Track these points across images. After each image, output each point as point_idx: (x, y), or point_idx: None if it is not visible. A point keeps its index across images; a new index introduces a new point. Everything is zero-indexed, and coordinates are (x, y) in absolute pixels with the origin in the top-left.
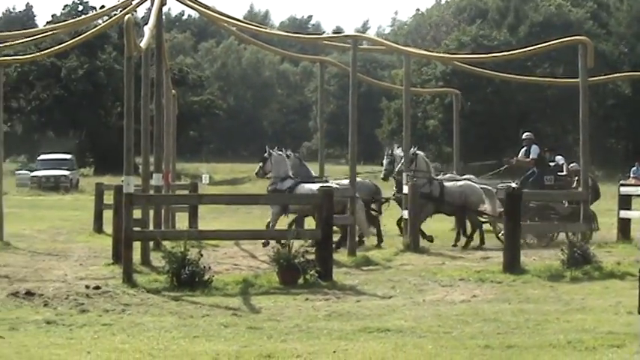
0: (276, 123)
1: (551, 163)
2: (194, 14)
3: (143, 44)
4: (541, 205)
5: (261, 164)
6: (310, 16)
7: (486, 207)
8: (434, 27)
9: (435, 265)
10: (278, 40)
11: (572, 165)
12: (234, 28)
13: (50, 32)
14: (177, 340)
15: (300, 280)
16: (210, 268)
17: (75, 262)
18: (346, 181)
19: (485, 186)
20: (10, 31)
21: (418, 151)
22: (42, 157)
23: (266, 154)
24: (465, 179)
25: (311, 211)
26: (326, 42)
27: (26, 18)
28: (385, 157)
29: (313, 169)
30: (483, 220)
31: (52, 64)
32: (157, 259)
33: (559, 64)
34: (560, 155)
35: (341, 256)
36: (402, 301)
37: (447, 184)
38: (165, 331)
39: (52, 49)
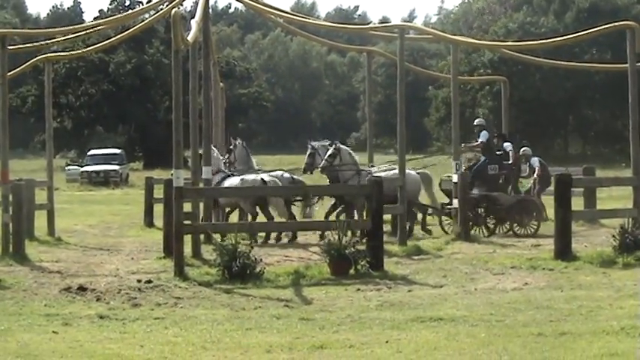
0: (324, 114)
1: (504, 151)
2: (240, 6)
3: (190, 38)
4: (483, 195)
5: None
6: (357, 7)
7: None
8: (480, 15)
9: (486, 254)
10: (325, 31)
11: (523, 149)
12: (281, 20)
13: (98, 28)
14: (230, 333)
15: (352, 271)
16: (261, 260)
17: (126, 257)
18: (279, 173)
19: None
20: (58, 28)
21: (341, 145)
22: (92, 152)
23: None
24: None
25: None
26: (373, 32)
27: (74, 14)
28: (309, 149)
29: (362, 159)
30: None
31: (100, 60)
32: (207, 252)
33: (607, 50)
34: (509, 142)
35: (392, 245)
36: (453, 289)
37: (380, 174)
38: (218, 324)
39: (100, 44)
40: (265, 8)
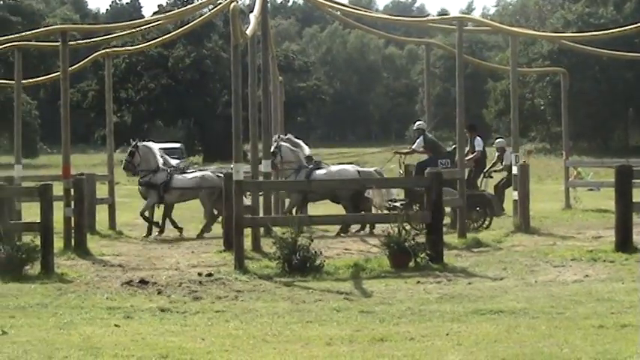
0: (382, 107)
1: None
2: (298, 0)
3: (249, 32)
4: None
5: (128, 158)
6: None
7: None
8: (539, 6)
9: (546, 246)
10: (383, 23)
11: (498, 141)
12: (338, 13)
13: (157, 23)
14: (291, 326)
15: (411, 264)
16: (321, 253)
17: (187, 250)
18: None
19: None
20: (118, 23)
21: (282, 142)
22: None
23: (132, 147)
24: (343, 166)
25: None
26: (431, 24)
27: (133, 9)
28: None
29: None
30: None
31: (159, 54)
32: (267, 245)
33: None
34: (480, 137)
35: (451, 238)
36: (513, 282)
37: (318, 172)
38: (278, 317)
39: (159, 39)
40: (323, 1)
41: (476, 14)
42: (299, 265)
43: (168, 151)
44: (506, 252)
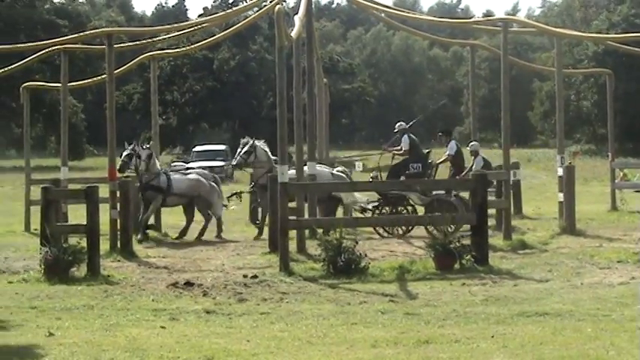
0: (427, 109)
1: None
2: (343, 2)
3: (294, 34)
4: (395, 195)
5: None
6: (459, 0)
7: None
8: (584, 7)
9: (592, 248)
10: (427, 25)
11: (471, 144)
12: (383, 15)
13: (202, 25)
14: (336, 328)
15: (456, 266)
16: (366, 255)
17: (232, 252)
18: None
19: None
20: (163, 25)
21: (257, 142)
22: (197, 148)
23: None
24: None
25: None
26: (476, 26)
27: (178, 12)
28: (240, 146)
29: (466, 153)
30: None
31: (204, 57)
32: (312, 247)
33: None
34: (453, 140)
35: (496, 240)
36: (559, 284)
37: (290, 172)
38: (323, 319)
39: (204, 41)
40: (368, 3)
41: (521, 15)
42: (344, 267)
43: (213, 153)
44: (552, 254)
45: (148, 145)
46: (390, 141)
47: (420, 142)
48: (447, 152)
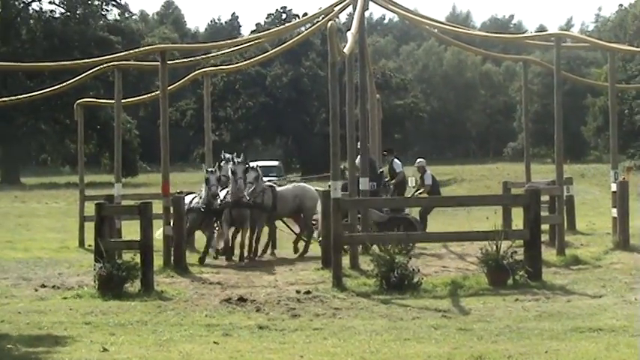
0: (479, 124)
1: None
2: (395, 17)
3: (346, 50)
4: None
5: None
6: (512, 16)
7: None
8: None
9: None
10: (480, 40)
11: (418, 161)
12: (435, 30)
13: (255, 42)
14: (388, 343)
15: (510, 281)
16: (419, 270)
17: (285, 268)
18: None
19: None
20: (216, 42)
21: (230, 159)
22: (250, 164)
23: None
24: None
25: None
26: (528, 41)
27: (231, 28)
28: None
29: (519, 168)
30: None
31: (256, 73)
32: (365, 262)
33: None
34: (398, 159)
35: (550, 255)
36: (612, 300)
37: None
38: (376, 334)
39: (257, 57)
40: (420, 19)
41: (574, 30)
42: (397, 282)
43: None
44: (605, 269)
45: (240, 160)
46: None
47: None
48: (397, 170)
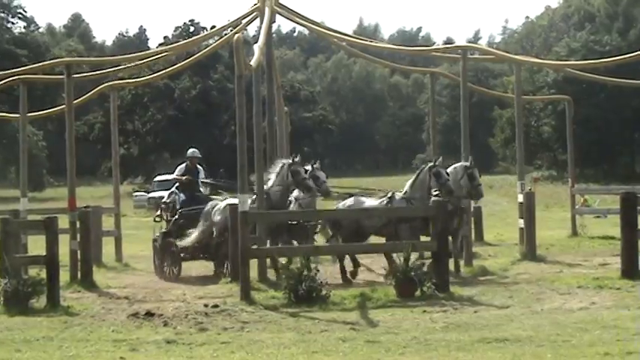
0: (388, 136)
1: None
2: (304, 30)
3: (254, 62)
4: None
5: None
6: (420, 28)
7: None
8: (544, 33)
9: (552, 273)
10: (388, 53)
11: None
12: (344, 43)
13: (162, 54)
14: (297, 356)
15: (417, 293)
16: (327, 283)
17: (193, 281)
18: None
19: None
20: (124, 55)
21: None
22: (158, 178)
23: None
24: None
25: None
26: (436, 53)
27: (139, 41)
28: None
29: None
30: None
31: (165, 86)
32: (273, 275)
33: None
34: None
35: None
36: (519, 310)
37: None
38: (284, 348)
39: (165, 70)
40: (328, 32)
41: (482, 42)
42: (305, 295)
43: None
44: (513, 280)
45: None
46: None
47: None
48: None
